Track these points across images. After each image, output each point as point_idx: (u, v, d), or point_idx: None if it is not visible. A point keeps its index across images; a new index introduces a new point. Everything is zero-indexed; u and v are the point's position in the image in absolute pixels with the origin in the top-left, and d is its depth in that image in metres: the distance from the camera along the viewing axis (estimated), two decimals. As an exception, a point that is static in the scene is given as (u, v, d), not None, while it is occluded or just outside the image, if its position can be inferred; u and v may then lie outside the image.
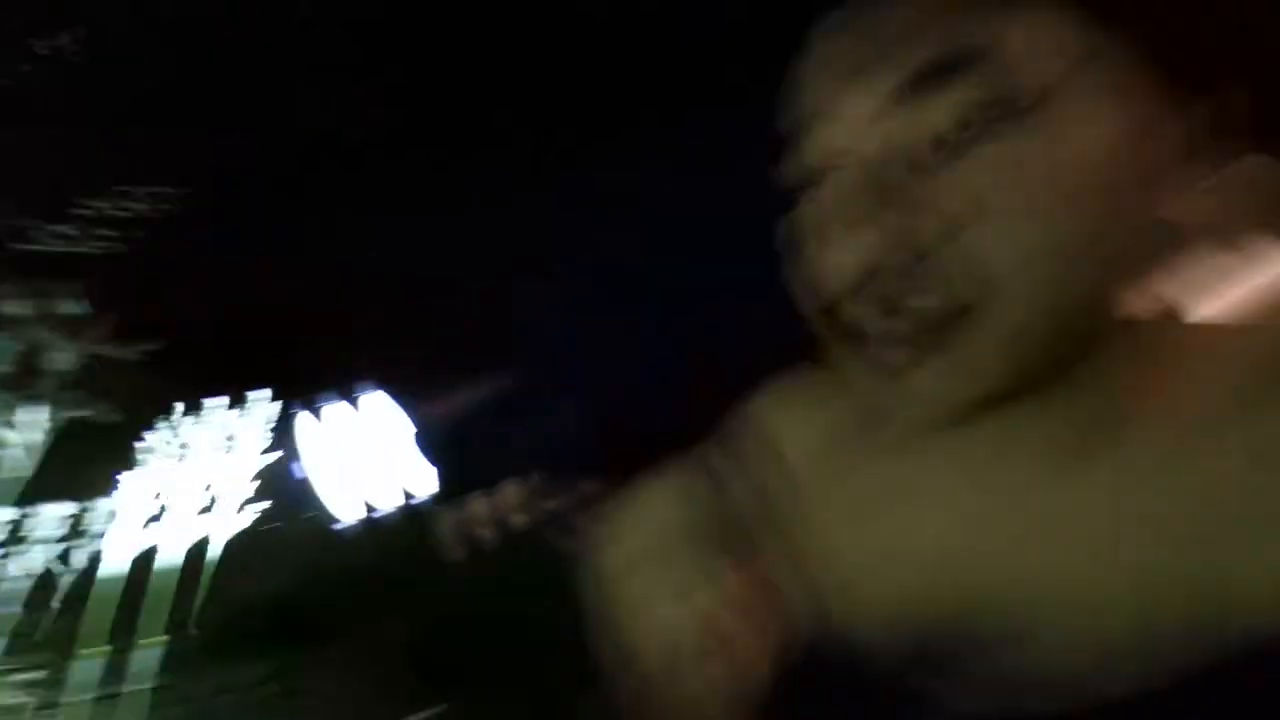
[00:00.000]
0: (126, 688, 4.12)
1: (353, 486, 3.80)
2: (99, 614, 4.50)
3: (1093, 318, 0.37)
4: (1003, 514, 0.41)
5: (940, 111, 0.36)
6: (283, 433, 5.15)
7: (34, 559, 4.69)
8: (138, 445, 5.16)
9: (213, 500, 5.16)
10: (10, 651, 4.31)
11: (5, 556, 4.65)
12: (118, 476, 5.02)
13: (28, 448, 4.97)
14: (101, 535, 4.85)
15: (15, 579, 4.60)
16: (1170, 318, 0.42)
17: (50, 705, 3.99)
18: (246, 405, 5.49)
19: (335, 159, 5.09)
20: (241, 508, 5.16)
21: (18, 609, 4.53)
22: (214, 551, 4.93)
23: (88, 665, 4.21)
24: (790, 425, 0.55)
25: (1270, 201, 0.37)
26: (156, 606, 4.55)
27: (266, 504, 5.13)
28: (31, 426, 4.98)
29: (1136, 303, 0.40)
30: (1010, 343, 0.35)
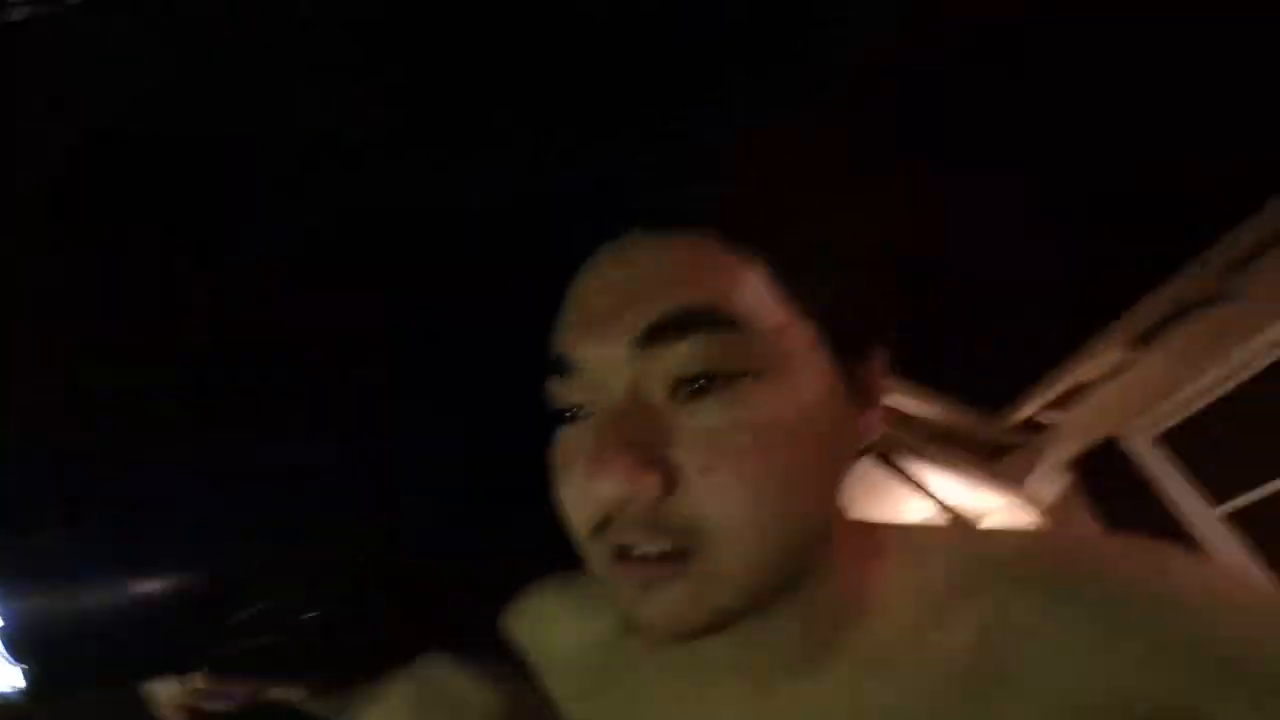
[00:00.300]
0: None
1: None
2: None
3: (806, 546, 0.44)
4: None
5: (676, 361, 0.40)
6: None
7: None
8: None
9: None
10: None
11: None
12: None
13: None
14: None
15: None
16: (871, 532, 0.52)
17: None
18: None
19: None
20: None
21: None
22: None
23: None
24: (547, 636, 0.59)
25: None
26: None
27: None
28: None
29: (841, 524, 0.49)
30: (728, 579, 0.40)
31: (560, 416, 0.47)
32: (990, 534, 0.52)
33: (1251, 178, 3.27)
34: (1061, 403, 4.48)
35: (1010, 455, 4.73)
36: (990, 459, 4.78)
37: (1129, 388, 4.19)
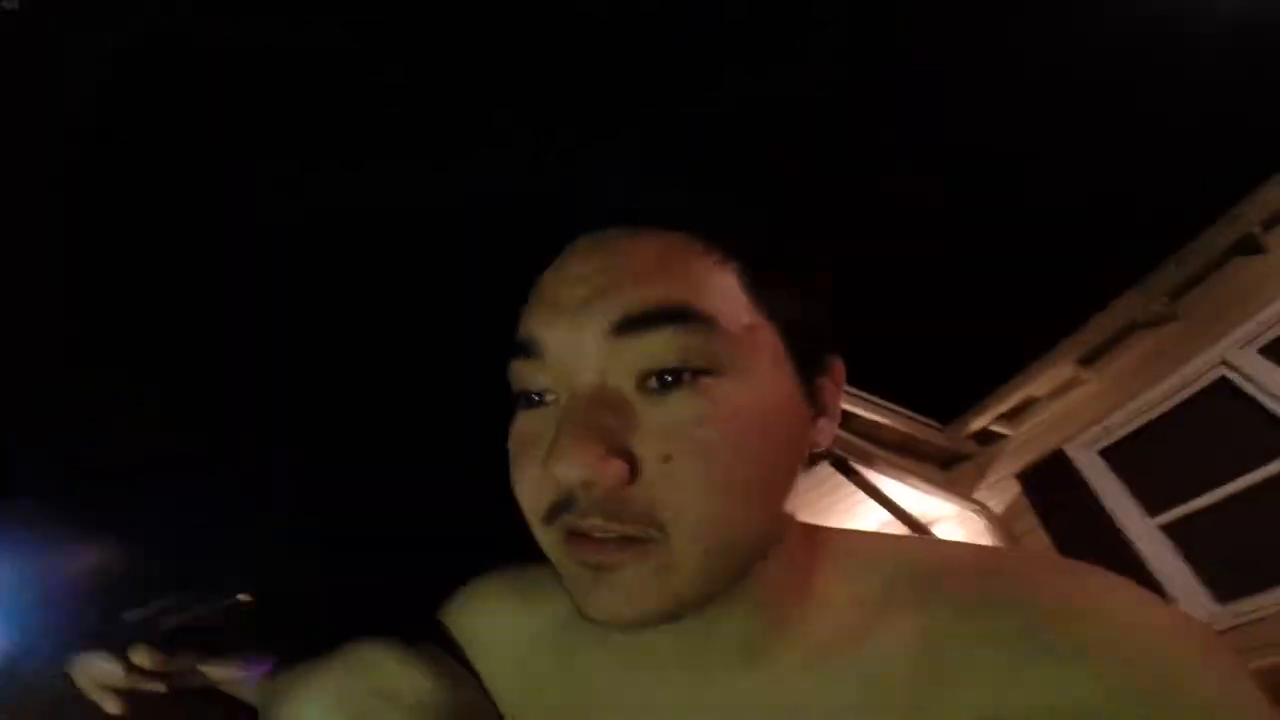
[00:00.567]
0: None
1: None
2: None
3: (757, 542, 0.45)
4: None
5: (646, 354, 0.41)
6: None
7: None
8: None
9: None
10: None
11: None
12: None
13: None
14: None
15: None
16: (815, 535, 0.54)
17: None
18: None
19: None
20: None
21: None
22: None
23: None
24: (488, 629, 0.61)
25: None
26: None
27: None
28: None
29: (790, 525, 0.50)
30: (682, 569, 0.41)
31: (520, 400, 0.47)
32: (927, 547, 0.53)
33: (1191, 206, 3.43)
34: (1012, 416, 4.62)
35: (962, 465, 4.85)
36: (942, 468, 4.91)
37: (1076, 403, 4.33)
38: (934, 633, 0.45)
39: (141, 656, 0.54)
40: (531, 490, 0.44)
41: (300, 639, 0.58)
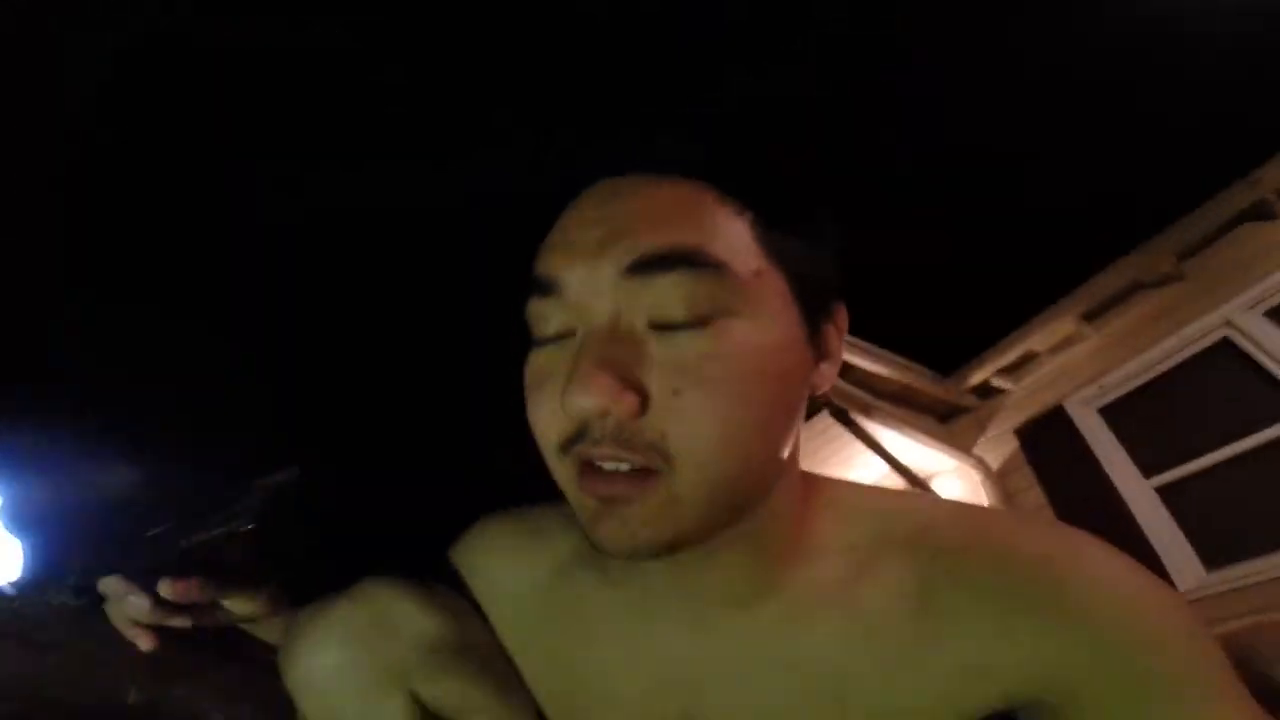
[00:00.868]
0: None
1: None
2: None
3: (760, 480, 0.48)
4: (684, 666, 0.53)
5: (659, 294, 0.43)
6: None
7: None
8: None
9: None
10: None
11: None
12: None
13: None
14: None
15: None
16: (814, 483, 0.57)
17: None
18: None
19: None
20: None
21: None
22: None
23: None
24: (495, 569, 0.62)
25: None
26: None
27: None
28: None
29: (793, 471, 0.53)
30: (688, 500, 0.43)
31: (536, 336, 0.49)
32: (921, 502, 0.56)
33: (1205, 167, 3.36)
34: (1013, 370, 4.60)
35: (961, 418, 4.86)
36: (941, 421, 4.92)
37: (1077, 359, 4.31)
38: (924, 585, 0.48)
39: (167, 588, 0.56)
40: (548, 421, 0.46)
41: (312, 575, 0.60)
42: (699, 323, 0.43)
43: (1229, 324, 3.64)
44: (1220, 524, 3.50)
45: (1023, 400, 4.56)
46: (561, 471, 0.47)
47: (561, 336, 0.47)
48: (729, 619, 0.52)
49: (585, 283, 0.45)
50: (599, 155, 0.51)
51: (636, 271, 0.43)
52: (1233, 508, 3.47)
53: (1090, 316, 4.23)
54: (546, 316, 0.48)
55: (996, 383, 4.59)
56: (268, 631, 0.66)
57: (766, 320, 0.45)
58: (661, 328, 0.44)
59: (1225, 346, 3.66)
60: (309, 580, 0.59)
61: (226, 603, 0.62)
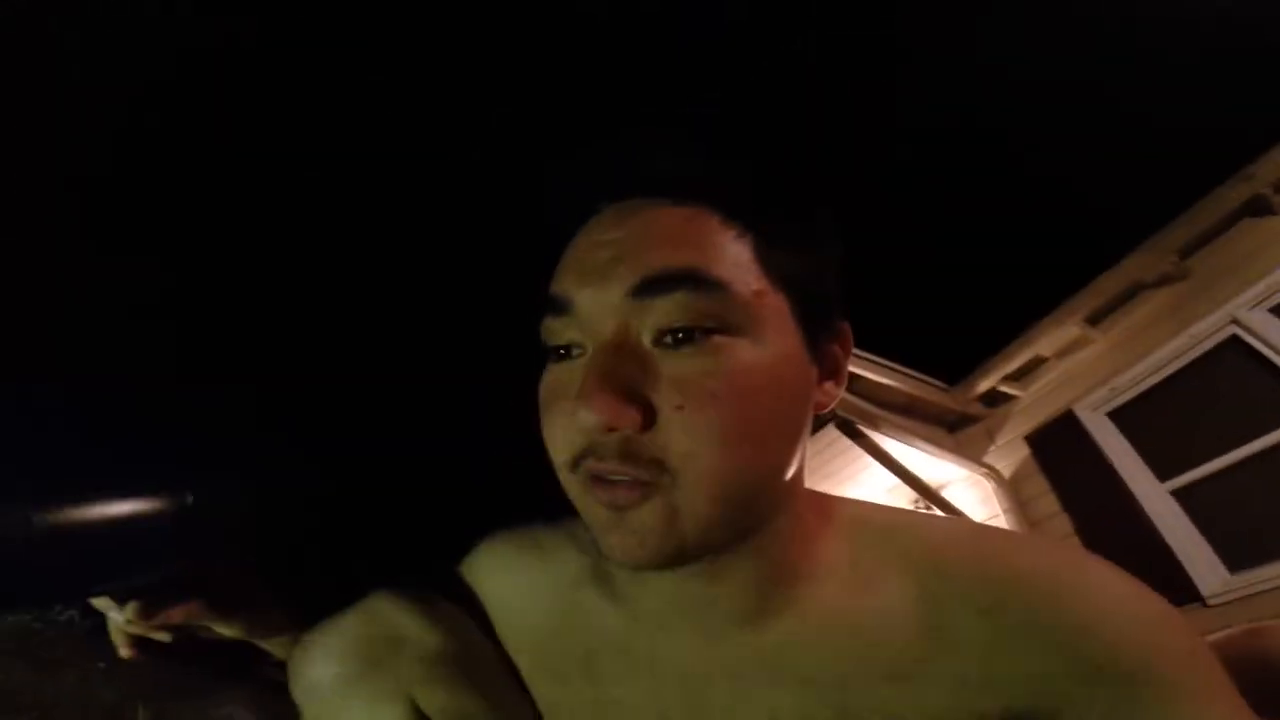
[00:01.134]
0: None
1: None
2: None
3: (763, 495, 0.49)
4: (689, 683, 0.54)
5: (663, 313, 0.45)
6: None
7: None
8: None
9: None
10: None
11: None
12: None
13: None
14: None
15: None
16: (822, 501, 0.58)
17: None
18: None
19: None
20: None
21: None
22: None
23: None
24: (503, 585, 0.64)
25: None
26: None
27: None
28: None
29: (799, 488, 0.54)
30: (691, 511, 0.45)
31: (551, 353, 0.51)
32: (928, 522, 0.57)
33: (1203, 163, 3.36)
34: (1020, 376, 4.59)
35: (970, 427, 4.84)
36: (950, 431, 4.89)
37: (1084, 363, 4.29)
38: (929, 603, 0.49)
39: (132, 609, 0.56)
40: (559, 437, 0.48)
41: (316, 591, 0.61)
42: (701, 341, 0.45)
43: (1235, 321, 3.62)
44: (1241, 525, 3.45)
45: (1032, 406, 4.54)
46: (572, 486, 0.49)
47: (573, 354, 0.49)
48: (735, 636, 0.53)
49: (595, 302, 0.47)
50: (608, 179, 0.53)
51: (642, 291, 0.46)
52: (1253, 508, 3.42)
53: (1095, 319, 4.21)
54: (559, 333, 0.50)
55: (1005, 389, 4.57)
56: (274, 646, 0.65)
57: (768, 338, 0.47)
58: (666, 345, 0.46)
59: (1233, 344, 3.64)
60: (309, 599, 0.60)
61: (209, 622, 0.61)
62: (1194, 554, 3.54)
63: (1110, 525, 3.83)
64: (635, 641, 0.56)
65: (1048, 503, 4.24)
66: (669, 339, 0.46)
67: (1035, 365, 4.51)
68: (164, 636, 0.59)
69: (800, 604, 0.52)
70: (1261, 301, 3.54)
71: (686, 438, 0.44)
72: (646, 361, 0.46)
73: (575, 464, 0.47)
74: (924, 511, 0.60)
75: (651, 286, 0.45)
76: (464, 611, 0.59)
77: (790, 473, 0.51)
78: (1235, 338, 3.63)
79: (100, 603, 0.58)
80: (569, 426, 0.47)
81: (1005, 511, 4.36)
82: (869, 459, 4.37)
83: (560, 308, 0.49)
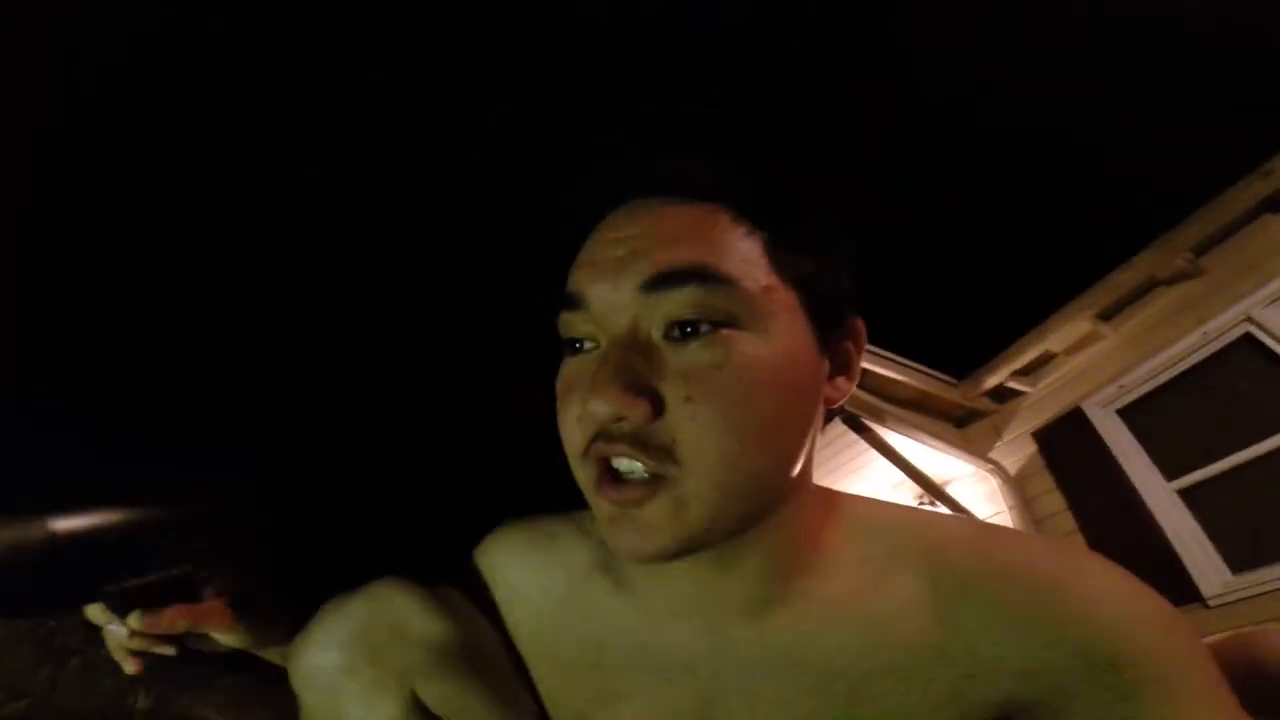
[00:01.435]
0: None
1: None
2: None
3: (770, 487, 0.50)
4: (697, 674, 0.55)
5: (672, 307, 0.47)
6: None
7: None
8: None
9: None
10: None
11: None
12: None
13: None
14: None
15: None
16: (829, 496, 0.59)
17: None
18: None
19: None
20: None
21: None
22: None
23: None
24: (514, 574, 0.64)
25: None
26: None
27: None
28: None
29: (806, 482, 0.55)
30: (698, 502, 0.46)
31: (566, 346, 0.53)
32: (933, 519, 0.58)
33: (1219, 160, 3.32)
34: (1029, 372, 4.55)
35: (977, 422, 4.81)
36: (957, 426, 4.87)
37: (1094, 360, 4.25)
38: (936, 598, 0.51)
39: (136, 621, 0.58)
40: (572, 427, 0.50)
41: (317, 599, 0.59)
42: (709, 334, 0.47)
43: (1250, 319, 3.56)
44: (1245, 526, 3.43)
45: (1040, 403, 4.50)
46: (583, 475, 0.50)
47: (587, 348, 0.51)
48: (742, 627, 0.54)
49: (607, 298, 0.49)
50: (620, 180, 0.55)
51: (653, 286, 0.47)
52: (1258, 509, 3.40)
53: (1107, 315, 4.17)
54: (574, 328, 0.52)
55: (1013, 385, 4.54)
56: (275, 656, 0.66)
57: (775, 333, 0.48)
58: (674, 339, 0.47)
59: (1247, 343, 3.59)
60: (311, 608, 0.58)
61: (209, 633, 0.63)
62: (1197, 554, 3.53)
63: (1114, 523, 3.82)
64: (643, 633, 0.57)
65: (1052, 500, 4.22)
66: (677, 332, 0.47)
67: (1044, 361, 4.48)
68: (168, 650, 0.61)
69: (808, 596, 0.54)
70: (1277, 299, 3.49)
71: (695, 427, 0.45)
72: (656, 354, 0.47)
73: (587, 449, 0.49)
74: (931, 510, 0.58)
75: (662, 281, 0.47)
76: (470, 602, 0.59)
77: (798, 466, 0.52)
78: (1249, 336, 3.58)
79: (97, 616, 0.60)
80: (582, 417, 0.48)
81: (1010, 508, 4.34)
82: (874, 453, 4.35)
83: (575, 303, 0.51)
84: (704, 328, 0.47)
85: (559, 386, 0.53)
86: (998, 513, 4.37)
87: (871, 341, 4.29)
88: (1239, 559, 3.41)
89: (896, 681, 0.49)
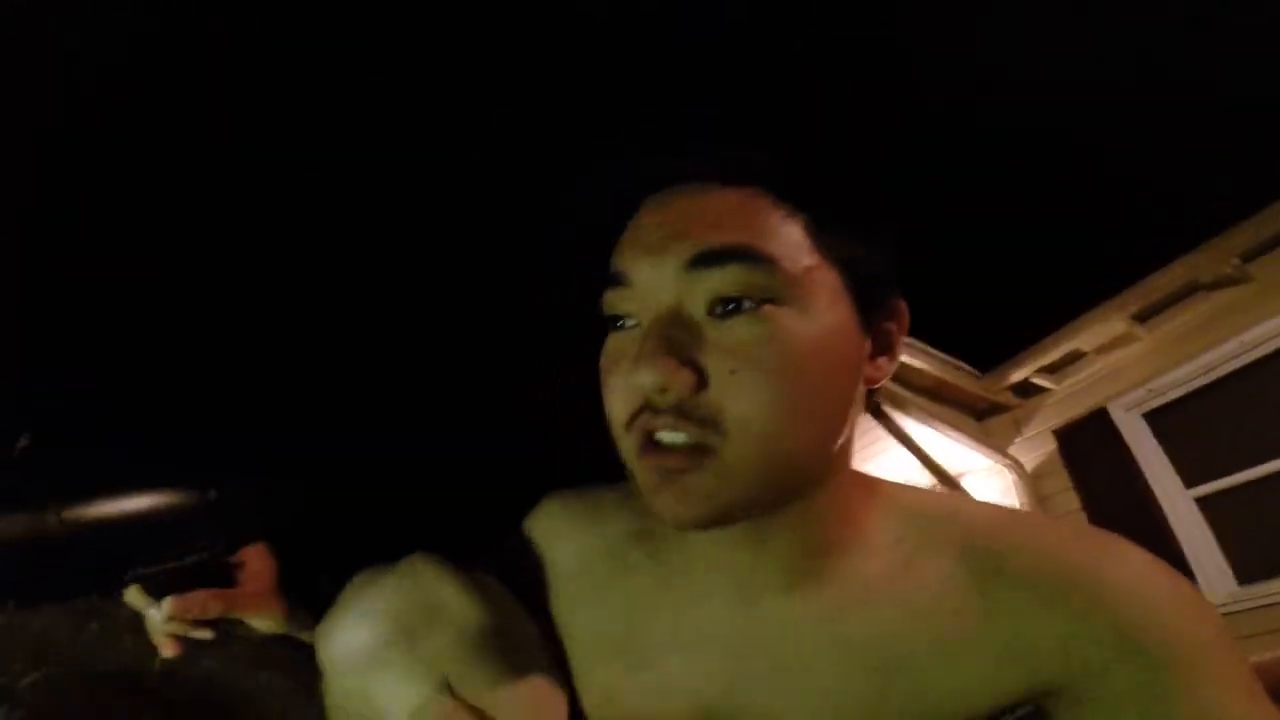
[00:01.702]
0: None
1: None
2: None
3: (810, 462, 0.51)
4: (729, 648, 0.56)
5: (715, 284, 0.48)
6: None
7: None
8: None
9: None
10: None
11: None
12: None
13: None
14: None
15: None
16: (865, 479, 0.60)
17: None
18: None
19: None
20: None
21: None
22: None
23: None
24: (554, 543, 0.66)
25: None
26: None
27: None
28: None
29: (845, 461, 0.56)
30: (739, 473, 0.47)
31: (611, 323, 0.54)
32: (967, 503, 0.60)
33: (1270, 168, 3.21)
34: (1055, 369, 4.48)
35: (998, 416, 4.76)
36: (977, 419, 4.81)
37: (1125, 361, 4.17)
38: (971, 579, 0.51)
39: (170, 606, 0.59)
40: (617, 399, 0.51)
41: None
42: (752, 310, 0.47)
43: (1292, 331, 3.46)
44: (1258, 539, 3.40)
45: (1063, 401, 4.43)
46: (626, 445, 0.51)
47: (629, 325, 0.52)
48: (777, 603, 0.55)
49: (651, 276, 0.50)
50: (667, 163, 0.55)
51: (696, 266, 0.48)
52: (1272, 523, 3.36)
53: (1143, 317, 4.07)
54: (618, 305, 0.53)
55: (1037, 381, 4.47)
56: (309, 638, 0.65)
57: (816, 312, 0.49)
58: (717, 315, 0.48)
59: (1284, 355, 3.50)
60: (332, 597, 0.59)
61: (244, 618, 0.64)
62: (1206, 562, 3.52)
63: (1128, 525, 3.78)
64: (677, 605, 0.58)
65: (1067, 499, 4.19)
66: (720, 308, 0.48)
67: (1072, 359, 4.39)
68: (204, 634, 0.61)
69: (842, 574, 0.54)
70: (1323, 313, 3.40)
71: (739, 399, 0.46)
72: (700, 330, 0.48)
73: (631, 421, 0.49)
74: (965, 495, 0.57)
75: (705, 260, 0.48)
76: (506, 578, 0.59)
77: (839, 441, 0.53)
78: (1288, 348, 3.48)
79: (136, 600, 0.60)
80: (626, 388, 0.49)
81: (1023, 505, 4.31)
82: (887, 442, 4.32)
83: (619, 281, 0.52)
84: (747, 304, 0.47)
85: (603, 361, 0.54)
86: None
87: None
88: (1247, 571, 3.40)
89: (929, 661, 0.50)
